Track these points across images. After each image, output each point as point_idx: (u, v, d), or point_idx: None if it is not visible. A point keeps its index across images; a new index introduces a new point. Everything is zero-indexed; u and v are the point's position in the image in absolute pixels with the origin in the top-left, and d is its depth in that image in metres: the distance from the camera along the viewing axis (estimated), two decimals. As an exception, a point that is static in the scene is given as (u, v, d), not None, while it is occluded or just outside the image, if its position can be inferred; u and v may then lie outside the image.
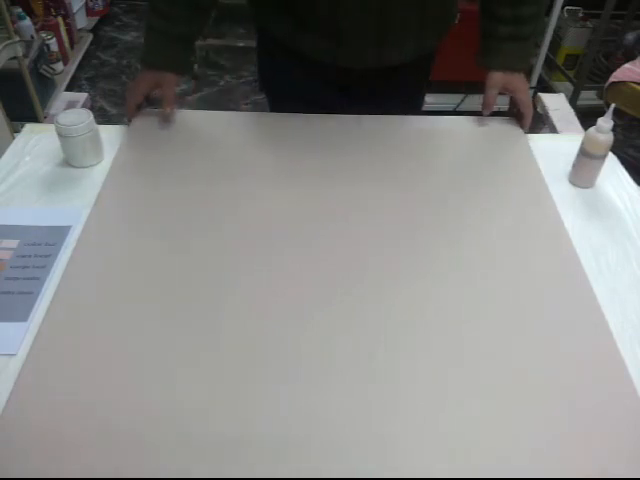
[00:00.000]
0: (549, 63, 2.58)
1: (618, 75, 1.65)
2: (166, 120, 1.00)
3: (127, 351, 0.64)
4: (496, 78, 1.00)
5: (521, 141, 1.00)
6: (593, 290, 0.73)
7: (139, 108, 1.03)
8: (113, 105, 2.53)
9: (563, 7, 2.42)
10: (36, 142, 0.98)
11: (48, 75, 2.30)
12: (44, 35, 2.35)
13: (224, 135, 0.99)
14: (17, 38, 1.90)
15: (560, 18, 2.40)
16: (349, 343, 0.65)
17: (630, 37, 2.50)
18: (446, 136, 1.01)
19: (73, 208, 0.85)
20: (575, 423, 0.59)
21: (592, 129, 0.89)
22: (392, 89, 1.06)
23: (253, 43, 1.13)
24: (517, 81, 1.01)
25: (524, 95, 1.02)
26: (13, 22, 2.04)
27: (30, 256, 0.77)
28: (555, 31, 2.40)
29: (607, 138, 0.88)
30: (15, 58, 1.91)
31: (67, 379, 0.61)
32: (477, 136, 1.02)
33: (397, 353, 0.65)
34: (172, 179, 0.88)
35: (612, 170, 0.96)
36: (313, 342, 0.66)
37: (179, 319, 0.67)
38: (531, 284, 0.74)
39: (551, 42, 2.40)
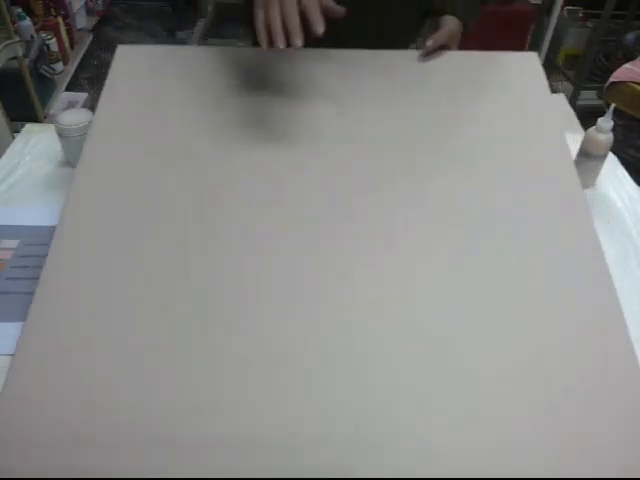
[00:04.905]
0: (549, 63, 2.58)
1: (618, 75, 1.65)
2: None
3: (123, 347, 0.64)
4: (453, 24, 0.94)
5: (539, 77, 0.92)
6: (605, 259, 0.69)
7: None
8: (113, 105, 2.53)
9: (563, 7, 2.42)
10: (36, 142, 0.98)
11: (48, 75, 2.30)
12: (44, 35, 2.35)
13: (218, 71, 0.91)
14: (17, 38, 1.90)
15: (560, 18, 2.40)
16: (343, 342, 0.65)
17: (630, 37, 2.50)
18: (458, 70, 0.94)
19: (73, 208, 0.85)
20: (575, 419, 0.59)
21: (592, 129, 0.89)
22: None
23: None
24: (457, 40, 0.97)
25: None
26: (13, 22, 2.04)
27: (30, 256, 0.77)
28: (555, 31, 2.40)
29: (607, 138, 0.88)
30: (15, 58, 1.91)
31: (59, 375, 0.61)
32: (491, 71, 0.95)
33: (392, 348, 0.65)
34: (164, 122, 0.84)
35: (612, 170, 0.96)
36: (311, 340, 0.65)
37: (173, 309, 0.65)
38: (537, 242, 0.71)
39: (551, 42, 2.40)
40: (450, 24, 0.94)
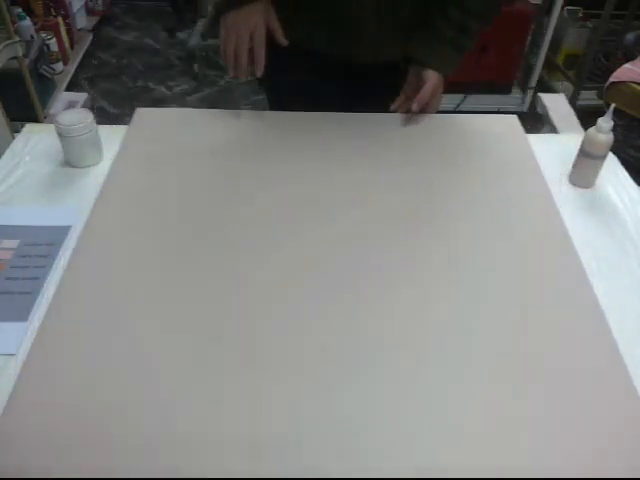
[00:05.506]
0: (549, 63, 2.58)
1: (618, 75, 1.65)
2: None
3: (128, 352, 0.64)
4: (435, 79, 0.97)
5: (521, 139, 1.00)
6: (594, 291, 0.73)
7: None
8: (113, 105, 2.53)
9: (563, 7, 2.42)
10: (36, 142, 0.98)
11: (48, 75, 2.29)
12: (44, 35, 2.34)
13: (226, 133, 0.98)
14: (17, 38, 1.90)
15: (560, 18, 2.40)
16: (348, 344, 0.66)
17: (630, 37, 2.50)
18: (445, 134, 1.01)
19: (73, 208, 0.85)
20: (574, 423, 0.59)
21: (592, 129, 0.89)
22: (392, 87, 1.05)
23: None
24: (440, 90, 1.00)
25: (437, 104, 1.03)
26: (13, 22, 2.04)
27: (30, 256, 0.77)
28: (555, 31, 2.40)
29: (607, 138, 0.88)
30: (15, 58, 1.91)
31: (67, 379, 0.61)
32: (476, 134, 1.02)
33: (396, 353, 0.65)
34: (174, 178, 0.89)
35: (612, 170, 0.96)
36: (313, 344, 0.66)
37: (180, 319, 0.68)
38: (531, 285, 0.74)
39: (551, 42, 2.40)
40: (432, 80, 0.97)
